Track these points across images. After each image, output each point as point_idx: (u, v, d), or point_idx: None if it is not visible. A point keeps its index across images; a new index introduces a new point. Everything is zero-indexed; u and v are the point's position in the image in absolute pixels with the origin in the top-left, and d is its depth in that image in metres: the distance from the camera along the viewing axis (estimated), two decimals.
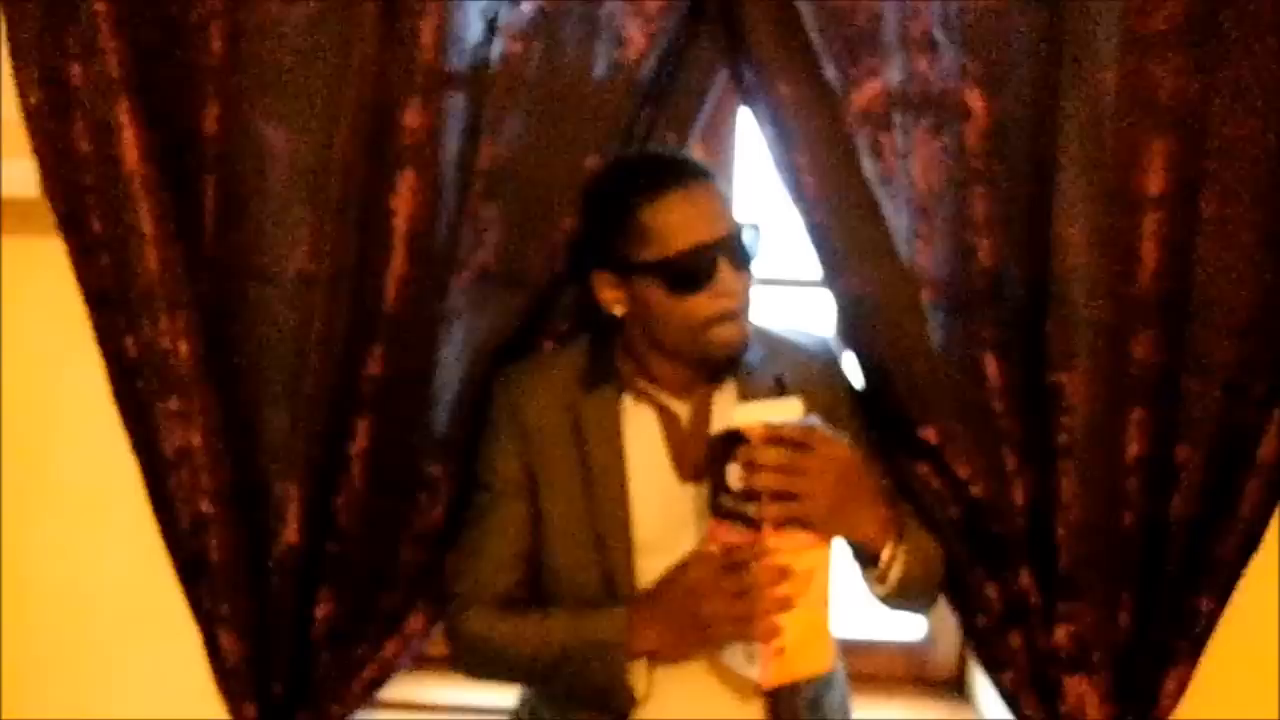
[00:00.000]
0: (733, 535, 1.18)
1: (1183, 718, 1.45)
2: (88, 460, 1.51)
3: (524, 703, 1.41)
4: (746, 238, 1.24)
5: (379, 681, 1.51)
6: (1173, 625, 1.42)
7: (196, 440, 1.42)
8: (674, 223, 1.21)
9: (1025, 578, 1.43)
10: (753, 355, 1.32)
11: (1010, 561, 1.43)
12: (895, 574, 1.24)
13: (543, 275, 1.41)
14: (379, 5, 1.36)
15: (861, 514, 1.21)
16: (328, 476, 1.46)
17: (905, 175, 1.40)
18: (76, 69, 1.37)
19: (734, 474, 1.16)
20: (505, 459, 1.34)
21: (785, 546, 1.16)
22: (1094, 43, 1.33)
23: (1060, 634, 1.42)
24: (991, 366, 1.42)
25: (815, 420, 1.20)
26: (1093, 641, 1.42)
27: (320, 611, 1.49)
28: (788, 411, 1.19)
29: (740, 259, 1.24)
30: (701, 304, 1.23)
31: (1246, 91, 1.35)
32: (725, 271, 1.22)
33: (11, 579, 1.61)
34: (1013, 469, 1.43)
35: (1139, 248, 1.36)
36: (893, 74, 1.37)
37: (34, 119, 1.39)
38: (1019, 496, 1.43)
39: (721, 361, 1.28)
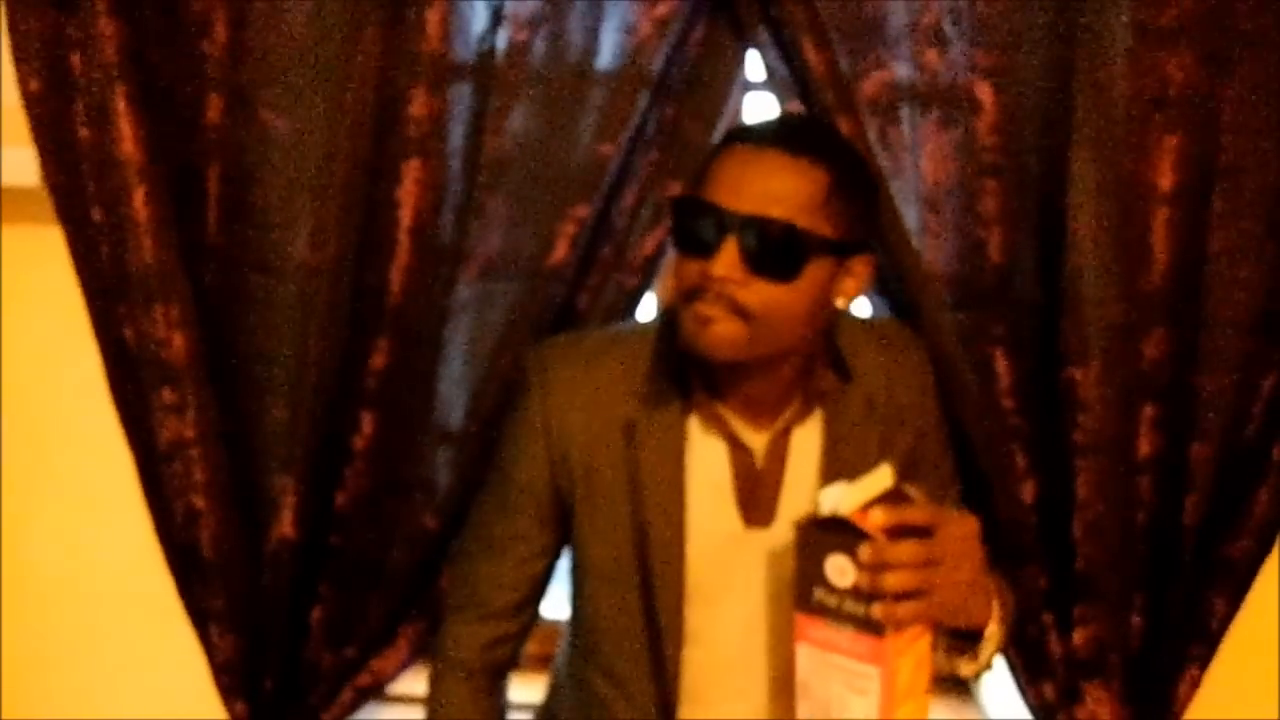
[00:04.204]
0: (837, 636, 1.00)
1: (1242, 691, 1.44)
2: (89, 451, 1.49)
3: (551, 698, 1.34)
4: (771, 238, 1.02)
5: (373, 689, 1.49)
6: (1186, 627, 1.40)
7: (190, 433, 1.40)
8: (715, 171, 1.05)
9: (1038, 579, 1.42)
10: (838, 370, 1.16)
11: (1022, 562, 1.41)
12: (988, 652, 1.08)
13: (550, 268, 1.39)
14: None
15: (980, 595, 1.03)
16: (328, 471, 1.44)
17: (914, 169, 1.39)
18: (76, 56, 1.36)
19: (838, 568, 0.98)
20: (531, 466, 1.17)
21: (902, 646, 0.99)
22: (1105, 36, 1.32)
23: (1077, 636, 1.40)
24: (1001, 363, 1.40)
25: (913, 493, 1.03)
26: (1108, 644, 1.40)
27: (315, 608, 1.47)
28: (879, 483, 1.02)
29: (752, 254, 1.02)
30: (687, 272, 1.05)
31: (1257, 86, 1.34)
32: (727, 253, 1.02)
33: (11, 569, 1.59)
34: (1022, 467, 1.41)
35: (1151, 243, 1.35)
36: (901, 66, 1.37)
37: (33, 107, 1.37)
38: (1028, 496, 1.42)
39: (704, 357, 1.07)
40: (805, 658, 1.03)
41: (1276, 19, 1.33)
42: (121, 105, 1.34)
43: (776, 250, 1.02)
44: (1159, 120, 1.33)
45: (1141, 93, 1.32)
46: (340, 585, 1.47)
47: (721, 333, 1.04)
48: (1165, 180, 1.34)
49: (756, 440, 1.14)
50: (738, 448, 1.14)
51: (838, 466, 1.14)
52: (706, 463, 1.14)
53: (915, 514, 0.97)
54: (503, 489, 1.20)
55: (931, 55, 1.36)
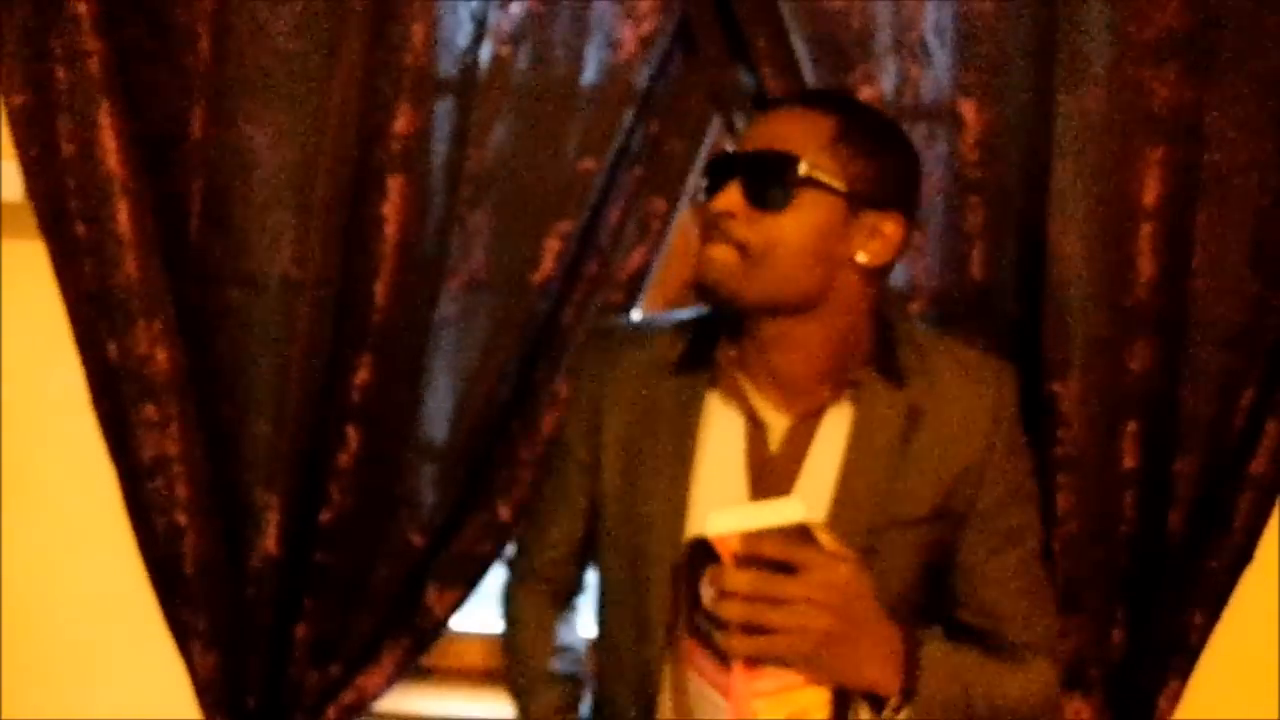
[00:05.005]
0: (705, 663, 0.95)
1: (1223, 702, 1.44)
2: (86, 464, 1.48)
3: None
4: (765, 167, 1.06)
5: (357, 707, 1.49)
6: (1166, 640, 1.40)
7: (173, 449, 1.40)
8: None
9: None
10: (886, 371, 1.12)
11: None
12: None
13: (536, 284, 1.39)
14: (368, 9, 1.35)
15: (861, 656, 0.95)
16: (312, 487, 1.44)
17: None
18: (61, 72, 1.36)
19: (706, 592, 0.93)
20: (574, 431, 1.21)
21: (765, 687, 0.93)
22: (1088, 52, 1.33)
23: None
24: None
25: (820, 530, 0.96)
26: (1089, 657, 1.40)
27: (299, 625, 1.47)
28: (782, 515, 0.95)
29: (750, 186, 1.05)
30: (704, 215, 1.09)
31: (1240, 100, 1.35)
32: (732, 190, 1.06)
33: (10, 579, 1.59)
34: None
35: (1135, 258, 1.35)
36: (886, 81, 1.37)
37: (18, 122, 1.37)
38: None
39: (709, 296, 1.09)
40: (692, 684, 0.98)
41: (1258, 32, 1.35)
42: (105, 120, 1.35)
43: (768, 177, 1.05)
44: (1142, 134, 1.33)
45: (1125, 107, 1.33)
46: (324, 602, 1.46)
47: (717, 260, 1.06)
48: (1149, 194, 1.34)
49: (778, 421, 1.12)
50: (756, 426, 1.12)
51: (859, 466, 1.10)
52: (722, 438, 1.12)
53: (772, 547, 0.92)
54: (558, 450, 1.25)
55: (916, 71, 1.37)
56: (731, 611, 0.91)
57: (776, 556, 0.92)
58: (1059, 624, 1.19)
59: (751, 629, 0.91)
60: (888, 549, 1.09)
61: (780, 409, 1.12)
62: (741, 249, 1.06)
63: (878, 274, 1.11)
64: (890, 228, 1.08)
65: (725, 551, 0.92)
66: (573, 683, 1.27)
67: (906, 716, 0.99)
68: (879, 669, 0.97)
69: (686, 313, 1.22)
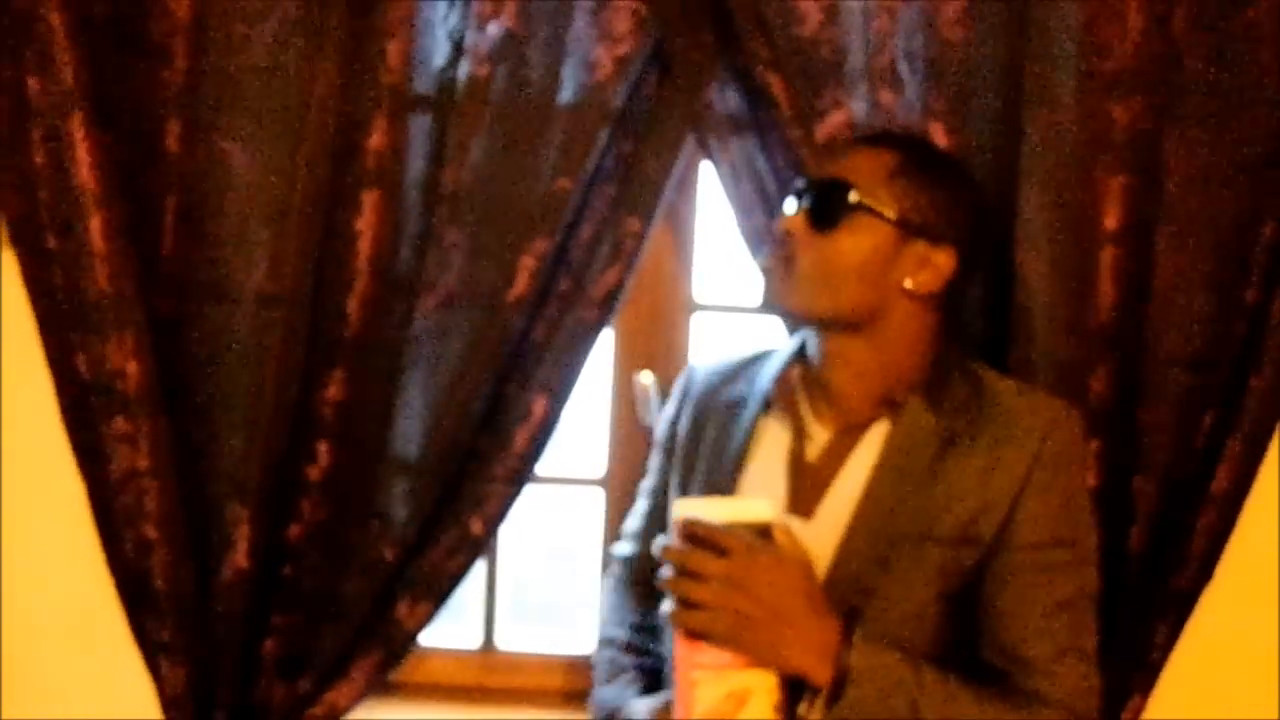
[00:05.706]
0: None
1: (1183, 718, 1.46)
2: (56, 476, 1.47)
3: None
4: (821, 191, 1.16)
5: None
6: (1129, 657, 1.42)
7: (143, 464, 1.40)
8: None
9: None
10: (931, 397, 1.15)
11: None
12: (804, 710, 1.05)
13: (510, 301, 1.40)
14: (346, 26, 1.36)
15: (781, 641, 1.02)
16: (282, 502, 1.44)
17: None
18: (33, 82, 1.35)
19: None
20: (662, 436, 1.33)
21: (704, 660, 1.02)
22: (1053, 81, 1.35)
23: None
24: None
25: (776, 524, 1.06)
26: None
27: (267, 640, 1.46)
28: (749, 512, 1.06)
29: (813, 211, 1.15)
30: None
31: (1199, 129, 1.38)
32: (792, 217, 1.16)
33: (9, 581, 1.57)
34: None
35: (1097, 281, 1.37)
36: (856, 106, 1.39)
37: None
38: None
39: (764, 304, 1.21)
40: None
41: (1216, 65, 1.38)
42: (80, 132, 1.34)
43: (825, 201, 1.15)
44: (1105, 162, 1.36)
45: (1088, 136, 1.36)
46: (294, 616, 1.46)
47: (770, 271, 1.18)
48: (1111, 220, 1.37)
49: (821, 433, 1.19)
50: (800, 436, 1.19)
51: (886, 479, 1.13)
52: (772, 447, 1.20)
53: (707, 530, 1.04)
54: (652, 450, 1.36)
55: (886, 96, 1.39)
56: (665, 581, 1.04)
57: (706, 538, 1.03)
58: (1093, 684, 1.12)
59: (686, 603, 1.03)
60: (902, 563, 1.11)
61: (826, 423, 1.19)
62: (792, 263, 1.16)
63: (932, 303, 1.18)
64: (942, 260, 1.16)
65: (675, 531, 1.05)
66: (645, 654, 1.31)
67: (838, 717, 1.03)
68: (803, 657, 1.04)
69: (778, 342, 1.31)
